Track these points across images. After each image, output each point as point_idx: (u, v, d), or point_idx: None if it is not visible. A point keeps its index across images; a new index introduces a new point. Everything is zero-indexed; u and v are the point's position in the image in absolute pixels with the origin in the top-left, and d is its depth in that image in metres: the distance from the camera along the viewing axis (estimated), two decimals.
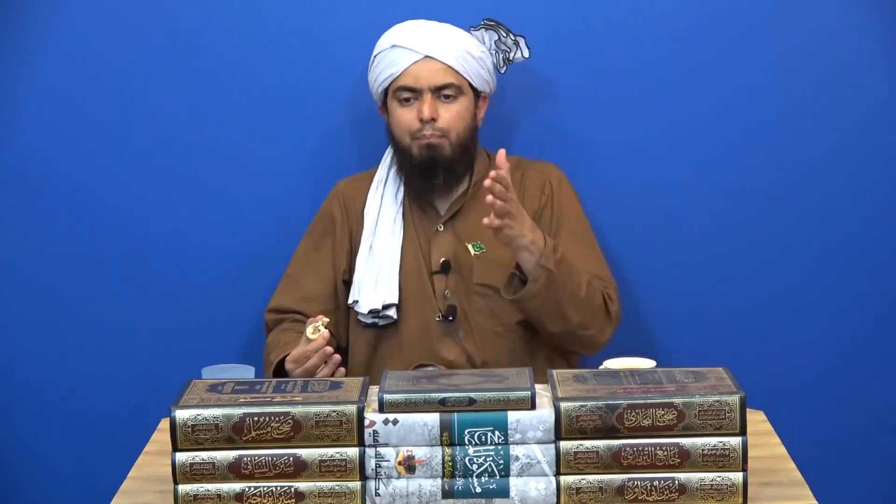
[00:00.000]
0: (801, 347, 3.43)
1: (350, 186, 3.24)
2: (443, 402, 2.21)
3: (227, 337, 3.40)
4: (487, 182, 2.81)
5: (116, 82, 3.36)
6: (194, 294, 3.42)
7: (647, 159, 3.39)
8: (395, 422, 2.21)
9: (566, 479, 2.22)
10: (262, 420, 2.22)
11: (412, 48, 3.10)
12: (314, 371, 2.84)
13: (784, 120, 3.37)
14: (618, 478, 2.22)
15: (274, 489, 2.23)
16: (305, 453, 2.22)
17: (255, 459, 2.22)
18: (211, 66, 3.36)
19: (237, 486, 2.23)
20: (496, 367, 3.04)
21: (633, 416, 2.21)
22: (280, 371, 2.95)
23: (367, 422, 2.22)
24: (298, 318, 3.11)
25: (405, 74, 3.10)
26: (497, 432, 2.21)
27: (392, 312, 3.09)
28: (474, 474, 2.22)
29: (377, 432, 2.22)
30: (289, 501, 2.23)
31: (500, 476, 2.22)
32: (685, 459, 2.21)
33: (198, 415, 2.22)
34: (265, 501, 2.22)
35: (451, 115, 3.10)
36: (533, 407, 2.22)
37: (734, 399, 2.21)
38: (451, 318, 3.08)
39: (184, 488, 2.23)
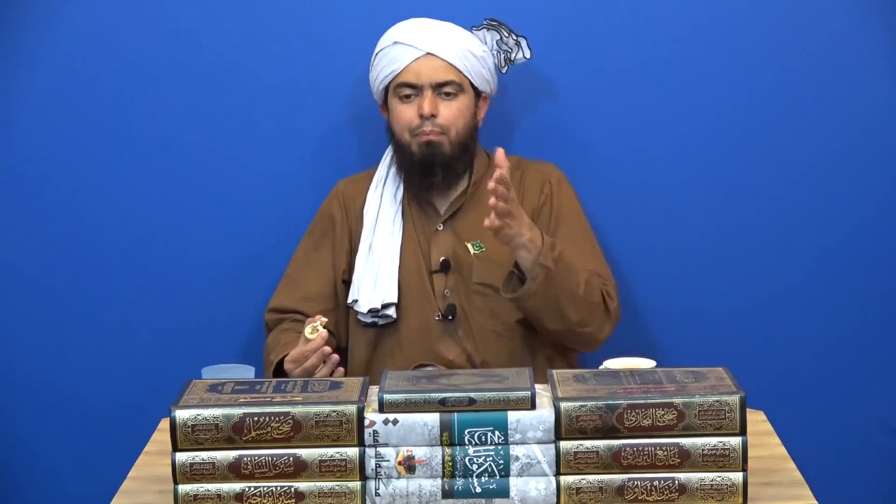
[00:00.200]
0: (801, 347, 3.43)
1: (350, 186, 3.24)
2: (443, 402, 2.21)
3: (227, 337, 3.40)
4: (491, 185, 2.82)
5: (116, 82, 3.36)
6: (194, 294, 3.42)
7: (648, 159, 3.39)
8: (395, 422, 2.21)
9: (566, 479, 2.22)
10: (262, 420, 2.21)
11: (414, 45, 3.10)
12: (313, 371, 2.84)
13: (784, 120, 3.37)
14: (618, 478, 2.22)
15: (274, 489, 2.23)
16: (305, 453, 2.22)
17: (255, 459, 2.22)
18: (211, 67, 3.37)
19: (237, 486, 2.23)
20: (496, 366, 3.04)
21: (633, 416, 2.21)
22: (280, 371, 2.95)
23: (367, 422, 2.22)
24: (298, 317, 3.11)
25: (406, 71, 3.10)
26: (497, 432, 2.21)
27: (391, 312, 3.09)
28: (474, 474, 2.22)
29: (377, 432, 2.22)
30: (289, 501, 2.23)
31: (500, 476, 2.22)
32: (685, 459, 2.21)
33: (198, 415, 2.22)
34: (265, 501, 2.22)
35: (452, 113, 3.10)
36: (533, 407, 2.22)
37: (734, 399, 2.21)
38: (450, 318, 3.08)
39: (184, 488, 2.23)
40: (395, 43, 3.12)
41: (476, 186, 3.16)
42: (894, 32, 3.35)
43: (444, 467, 2.22)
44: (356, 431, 2.21)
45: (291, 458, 2.22)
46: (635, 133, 3.38)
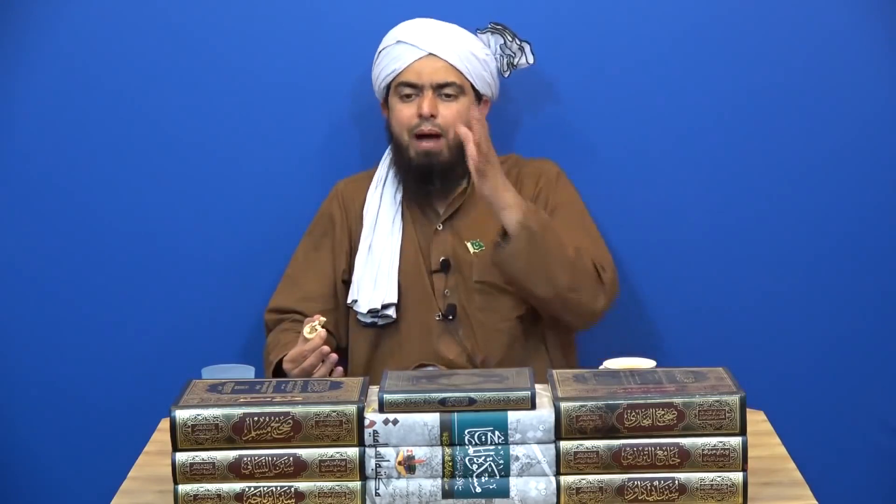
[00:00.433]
0: (801, 347, 3.43)
1: (349, 186, 3.24)
2: (443, 402, 2.21)
3: (227, 337, 3.40)
4: (463, 130, 2.87)
5: (116, 82, 3.36)
6: (194, 294, 3.42)
7: (648, 160, 3.39)
8: (395, 422, 2.21)
9: (566, 479, 2.22)
10: (262, 420, 2.21)
11: (416, 45, 3.10)
12: (311, 371, 2.84)
13: (784, 120, 3.37)
14: (618, 478, 2.22)
15: (274, 489, 2.23)
16: (305, 453, 2.22)
17: (255, 459, 2.22)
18: (211, 67, 3.37)
19: (237, 486, 2.23)
20: (496, 365, 3.04)
21: (633, 416, 2.21)
22: (280, 371, 2.95)
23: (367, 422, 2.22)
24: (298, 318, 3.11)
25: (408, 70, 3.10)
26: (497, 432, 2.21)
27: (391, 312, 3.09)
28: (474, 474, 2.22)
29: (377, 432, 2.22)
30: (289, 501, 2.23)
31: (500, 476, 2.22)
32: (685, 459, 2.21)
33: (198, 415, 2.22)
34: (265, 501, 2.22)
35: (451, 114, 3.10)
36: (533, 407, 2.21)
37: (734, 399, 2.21)
38: (451, 317, 3.08)
39: (184, 488, 2.23)
40: (399, 42, 3.12)
41: (473, 187, 3.16)
42: (894, 32, 3.35)
43: (444, 467, 2.22)
44: (356, 431, 2.21)
45: (291, 458, 2.22)
46: (636, 134, 3.38)
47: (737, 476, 2.22)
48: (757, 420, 2.63)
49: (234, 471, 2.22)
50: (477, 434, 2.21)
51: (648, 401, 2.21)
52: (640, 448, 2.21)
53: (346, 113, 3.39)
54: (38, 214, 3.40)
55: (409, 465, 2.22)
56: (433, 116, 3.08)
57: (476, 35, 3.20)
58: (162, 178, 3.39)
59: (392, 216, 3.15)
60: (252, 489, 2.23)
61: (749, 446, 2.23)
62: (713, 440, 2.21)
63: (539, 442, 2.21)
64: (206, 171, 3.39)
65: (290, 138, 3.39)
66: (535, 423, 2.21)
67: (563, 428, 2.21)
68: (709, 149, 3.39)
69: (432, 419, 2.21)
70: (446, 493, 2.22)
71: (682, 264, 3.41)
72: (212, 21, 3.35)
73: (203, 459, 2.22)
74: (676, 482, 2.21)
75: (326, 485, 2.23)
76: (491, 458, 2.21)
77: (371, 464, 2.22)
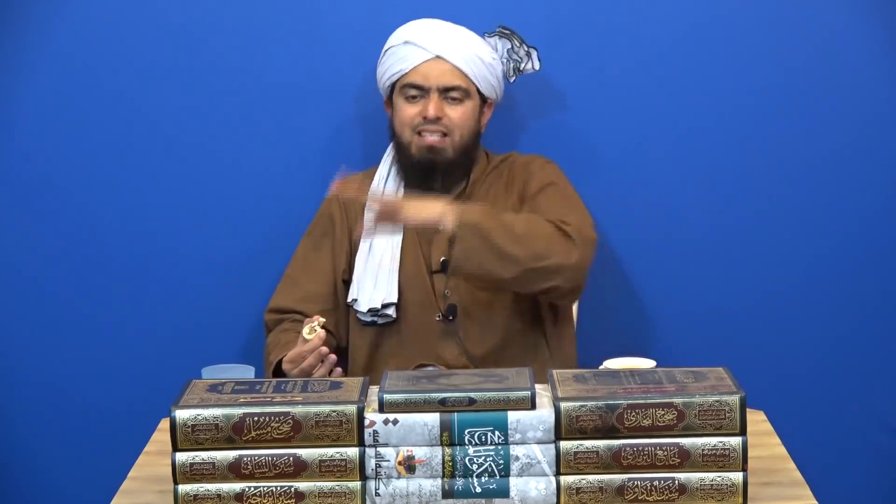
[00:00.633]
0: (801, 347, 3.43)
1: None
2: (443, 402, 2.21)
3: (227, 337, 3.40)
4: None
5: (117, 82, 3.36)
6: (194, 294, 3.42)
7: (649, 161, 3.39)
8: (395, 422, 2.21)
9: (566, 479, 2.22)
10: (262, 420, 2.21)
11: (424, 46, 3.10)
12: (310, 371, 2.84)
13: (784, 120, 3.38)
14: (618, 478, 2.22)
15: (274, 489, 2.22)
16: (305, 453, 2.22)
17: (255, 459, 2.22)
18: (212, 67, 3.37)
19: (237, 486, 2.23)
20: (497, 365, 3.04)
21: (633, 416, 2.21)
22: (280, 371, 2.95)
23: (367, 422, 2.21)
24: (298, 318, 3.10)
25: (414, 72, 3.10)
26: (497, 432, 2.21)
27: (391, 311, 3.09)
28: (474, 474, 2.22)
29: (377, 432, 2.22)
30: (289, 501, 2.23)
31: (500, 476, 2.22)
32: (685, 459, 2.21)
33: (198, 415, 2.22)
34: (265, 501, 2.22)
35: (457, 116, 3.10)
36: (533, 407, 2.21)
37: (734, 399, 2.21)
38: (451, 318, 3.08)
39: (184, 488, 2.23)
40: (406, 42, 3.12)
41: (473, 186, 3.16)
42: (894, 32, 3.35)
43: (444, 467, 2.22)
44: (356, 431, 2.21)
45: (291, 458, 2.22)
46: (637, 135, 3.38)
47: (737, 476, 2.22)
48: (757, 420, 2.63)
49: (234, 471, 2.22)
50: (477, 434, 2.21)
51: (648, 401, 2.21)
52: (640, 448, 2.21)
53: (347, 113, 3.39)
54: (38, 214, 3.40)
55: (409, 465, 2.22)
56: (439, 119, 3.08)
57: (484, 38, 3.20)
58: (162, 178, 3.39)
59: None
60: (252, 489, 2.23)
61: (749, 446, 2.23)
62: (713, 440, 2.21)
63: (539, 442, 2.21)
64: (206, 171, 3.39)
65: (290, 138, 3.39)
66: (535, 423, 2.21)
67: (563, 428, 2.21)
68: (709, 149, 3.39)
69: (432, 419, 2.21)
70: (446, 493, 2.22)
71: (682, 264, 3.41)
72: (212, 21, 3.35)
73: (203, 459, 2.22)
74: (676, 482, 2.21)
75: (326, 485, 2.23)
76: (491, 458, 2.21)
77: (371, 464, 2.22)
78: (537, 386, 2.26)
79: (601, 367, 2.61)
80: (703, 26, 3.35)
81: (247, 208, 3.40)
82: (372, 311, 3.08)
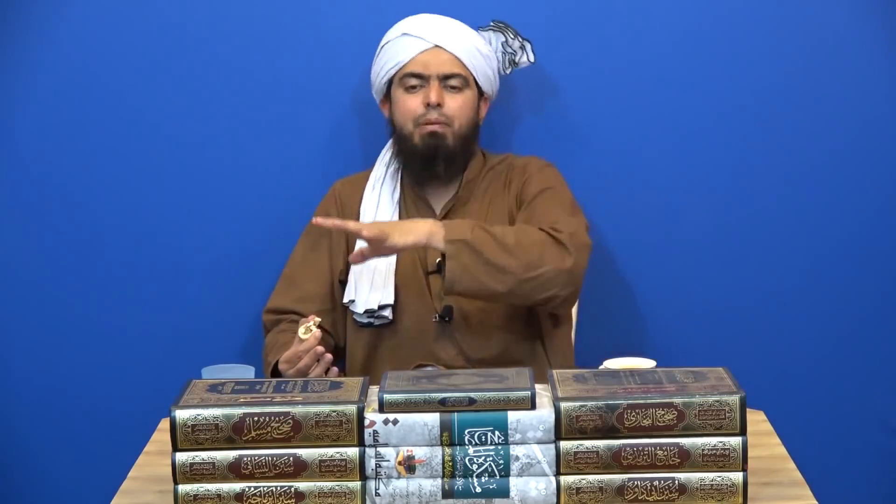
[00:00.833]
0: (801, 347, 3.43)
1: (347, 187, 3.24)
2: (443, 402, 2.21)
3: (227, 337, 3.40)
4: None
5: (116, 82, 3.36)
6: (194, 294, 3.42)
7: (648, 160, 3.39)
8: (395, 422, 2.21)
9: (566, 479, 2.22)
10: (262, 420, 2.21)
11: (422, 37, 3.11)
12: (306, 371, 2.84)
13: (784, 120, 3.37)
14: (618, 478, 2.22)
15: (274, 489, 2.22)
16: (305, 453, 2.22)
17: (255, 459, 2.22)
18: (211, 67, 3.37)
19: (237, 486, 2.23)
20: (494, 365, 3.03)
21: (633, 416, 2.21)
22: (278, 372, 2.95)
23: (367, 422, 2.21)
24: (296, 318, 3.10)
25: (413, 62, 3.11)
26: (497, 432, 2.21)
27: (387, 313, 3.09)
28: (474, 474, 2.22)
29: (377, 432, 2.22)
30: (289, 501, 2.23)
31: (500, 476, 2.22)
32: (685, 459, 2.21)
33: (198, 415, 2.22)
34: (265, 501, 2.22)
35: (458, 104, 3.11)
36: (533, 407, 2.21)
37: (734, 399, 2.21)
38: (447, 318, 3.08)
39: (184, 488, 2.23)
40: (404, 34, 3.13)
41: (468, 186, 3.16)
42: (894, 32, 3.35)
43: (444, 467, 2.22)
44: (356, 431, 2.21)
45: (291, 458, 2.22)
46: (636, 134, 3.38)
47: (737, 476, 2.22)
48: (757, 420, 2.63)
49: (234, 471, 2.22)
50: (477, 434, 2.21)
51: (648, 401, 2.21)
52: (640, 448, 2.21)
53: (346, 113, 3.39)
54: (38, 214, 3.40)
55: (409, 465, 2.21)
56: (440, 105, 3.09)
57: (478, 33, 3.21)
58: (162, 178, 3.39)
59: (389, 216, 3.15)
60: (252, 489, 2.23)
61: (749, 446, 2.23)
62: (713, 440, 2.21)
63: (539, 442, 2.21)
64: (205, 171, 3.39)
65: (290, 138, 3.39)
66: (535, 423, 2.21)
67: (563, 428, 2.21)
68: (709, 149, 3.39)
69: (432, 419, 2.21)
70: (446, 493, 2.22)
71: (682, 264, 3.41)
72: (212, 21, 3.35)
73: (203, 459, 2.22)
74: (676, 482, 2.21)
75: (326, 485, 2.23)
76: (491, 458, 2.21)
77: (371, 464, 2.22)
78: (537, 386, 2.26)
79: (601, 367, 2.61)
80: (702, 24, 3.35)
81: (246, 208, 3.40)
82: (368, 313, 3.08)
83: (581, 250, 2.98)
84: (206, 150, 3.39)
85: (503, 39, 3.24)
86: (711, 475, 2.22)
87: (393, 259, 3.09)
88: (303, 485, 2.22)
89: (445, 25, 3.15)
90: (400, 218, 3.15)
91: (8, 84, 3.36)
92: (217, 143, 3.39)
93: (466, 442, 2.21)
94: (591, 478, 2.22)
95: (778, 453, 2.50)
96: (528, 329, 3.10)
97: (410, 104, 3.11)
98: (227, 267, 3.42)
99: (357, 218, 3.17)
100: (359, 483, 2.22)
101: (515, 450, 2.21)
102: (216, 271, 3.41)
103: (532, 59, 3.25)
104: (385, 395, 2.22)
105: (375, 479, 2.22)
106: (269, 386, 2.31)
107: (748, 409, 2.23)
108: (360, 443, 2.22)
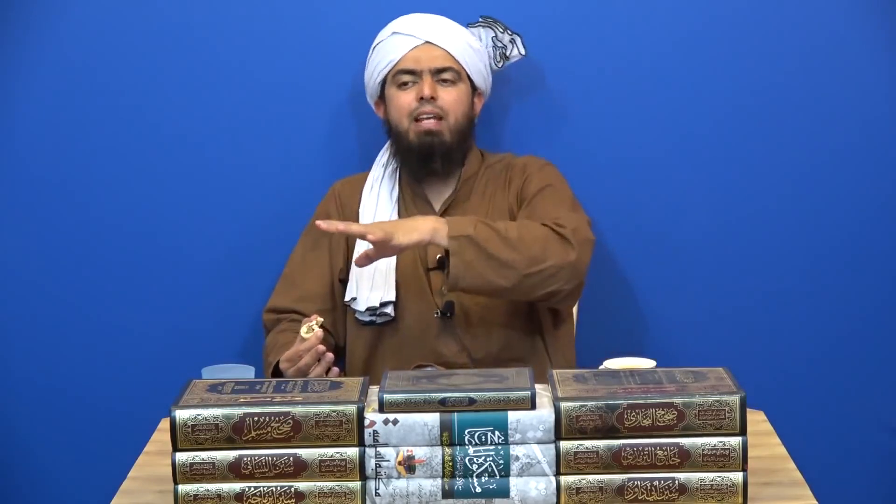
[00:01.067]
0: (801, 347, 3.43)
1: (346, 186, 3.25)
2: (443, 402, 2.21)
3: (227, 337, 3.40)
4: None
5: (116, 82, 3.37)
6: (194, 294, 3.42)
7: (646, 158, 3.39)
8: (395, 422, 2.21)
9: (566, 479, 2.22)
10: (262, 420, 2.21)
11: (413, 34, 3.12)
12: (307, 370, 2.84)
13: (784, 120, 3.37)
14: (618, 478, 2.22)
15: (274, 489, 2.23)
16: (305, 453, 2.22)
17: (255, 459, 2.22)
18: (210, 67, 3.37)
19: (237, 486, 2.23)
20: (496, 361, 3.04)
21: (633, 416, 2.21)
22: (279, 372, 2.95)
23: (367, 422, 2.21)
24: (296, 317, 3.10)
25: (405, 59, 3.12)
26: (497, 432, 2.21)
27: (389, 310, 3.09)
28: (474, 474, 2.22)
29: (377, 432, 2.22)
30: (289, 501, 2.23)
31: (500, 476, 2.22)
32: (685, 459, 2.21)
33: (198, 415, 2.22)
34: (265, 501, 2.22)
35: (451, 98, 3.11)
36: (533, 407, 2.21)
37: (734, 399, 2.21)
38: (449, 315, 3.08)
39: (184, 488, 2.23)
40: (394, 34, 3.14)
41: (467, 183, 3.16)
42: (894, 32, 3.35)
43: (444, 467, 2.22)
44: (356, 431, 2.21)
45: (291, 458, 2.22)
46: (633, 132, 3.38)
47: (737, 476, 2.22)
48: (757, 420, 2.63)
49: (234, 471, 2.22)
50: (477, 434, 2.21)
51: (648, 401, 2.21)
52: (640, 448, 2.21)
53: (345, 113, 3.39)
54: (38, 214, 3.40)
55: (409, 465, 2.21)
56: (434, 98, 3.09)
57: (468, 29, 3.21)
58: (161, 179, 3.39)
59: (388, 215, 3.15)
60: (252, 489, 2.23)
61: (749, 446, 2.23)
62: (713, 440, 2.21)
63: (539, 442, 2.21)
64: (205, 171, 3.40)
65: (289, 138, 3.39)
66: (535, 423, 2.21)
67: (563, 428, 2.21)
68: (708, 148, 3.39)
69: (432, 419, 2.21)
70: (446, 493, 2.22)
71: (682, 264, 3.41)
72: (211, 22, 3.35)
73: (203, 459, 2.22)
74: (676, 482, 2.21)
75: (326, 485, 2.23)
76: (491, 458, 2.21)
77: (371, 464, 2.22)
78: (537, 386, 2.26)
79: (601, 367, 2.61)
80: (699, 20, 3.35)
81: (246, 208, 3.40)
82: (370, 310, 3.08)
83: (584, 245, 2.99)
84: (205, 150, 3.39)
85: (493, 34, 3.24)
86: (711, 475, 2.22)
87: (393, 257, 3.10)
88: (303, 485, 2.23)
89: (435, 22, 3.16)
90: (399, 216, 3.15)
91: (8, 84, 3.36)
92: (216, 144, 3.39)
93: (466, 442, 2.21)
94: (591, 478, 2.22)
95: (778, 453, 2.50)
96: (529, 325, 3.10)
97: (404, 100, 3.12)
98: (227, 267, 3.42)
99: (357, 218, 3.17)
100: (359, 483, 2.22)
101: (515, 450, 2.21)
102: (216, 271, 3.42)
103: (523, 52, 3.25)
104: (385, 395, 2.22)
105: (375, 479, 2.22)
106: (269, 386, 2.31)
107: (748, 409, 2.23)
108: (360, 443, 2.22)
